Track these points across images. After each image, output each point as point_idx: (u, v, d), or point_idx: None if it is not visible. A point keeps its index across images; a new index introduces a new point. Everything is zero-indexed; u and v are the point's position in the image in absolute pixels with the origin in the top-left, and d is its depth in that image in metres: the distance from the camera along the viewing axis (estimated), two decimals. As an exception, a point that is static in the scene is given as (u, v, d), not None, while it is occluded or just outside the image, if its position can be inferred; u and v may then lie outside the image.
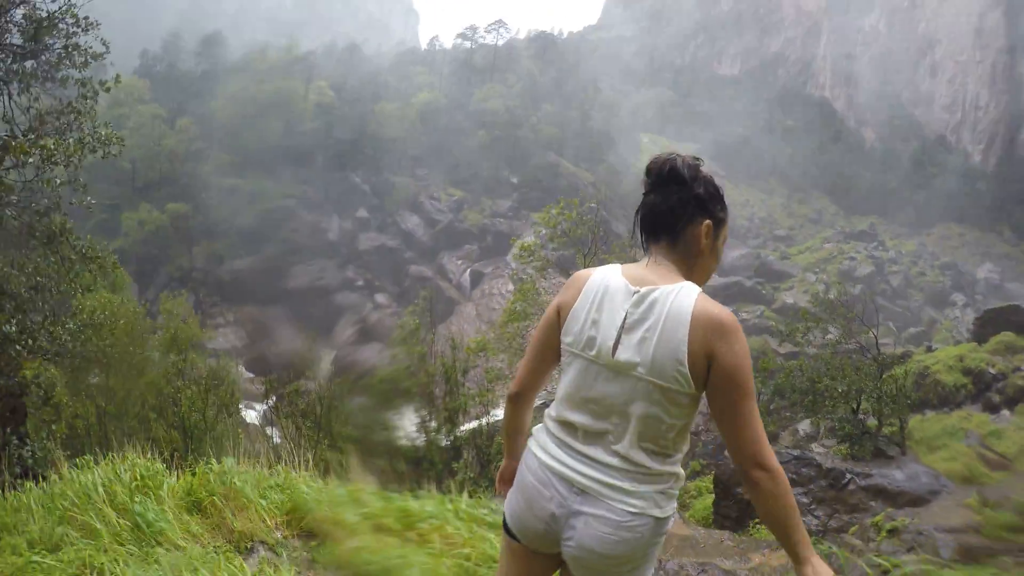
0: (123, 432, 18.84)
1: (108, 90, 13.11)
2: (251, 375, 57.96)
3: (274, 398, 44.78)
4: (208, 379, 21.55)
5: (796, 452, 19.39)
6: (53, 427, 16.96)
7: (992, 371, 41.24)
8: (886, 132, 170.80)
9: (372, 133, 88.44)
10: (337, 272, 74.30)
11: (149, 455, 7.36)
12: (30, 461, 10.34)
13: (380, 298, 73.08)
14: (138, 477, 6.13)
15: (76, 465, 7.11)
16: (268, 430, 36.01)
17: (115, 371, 20.43)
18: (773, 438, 33.35)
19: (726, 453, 20.51)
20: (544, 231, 28.04)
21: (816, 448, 38.34)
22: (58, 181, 12.78)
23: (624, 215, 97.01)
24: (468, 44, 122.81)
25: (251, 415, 44.46)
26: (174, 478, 6.38)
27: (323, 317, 69.28)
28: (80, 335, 14.15)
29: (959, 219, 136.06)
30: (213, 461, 6.61)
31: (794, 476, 18.35)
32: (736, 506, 18.77)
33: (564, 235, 26.85)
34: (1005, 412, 37.99)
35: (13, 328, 11.67)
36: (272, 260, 73.77)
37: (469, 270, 74.80)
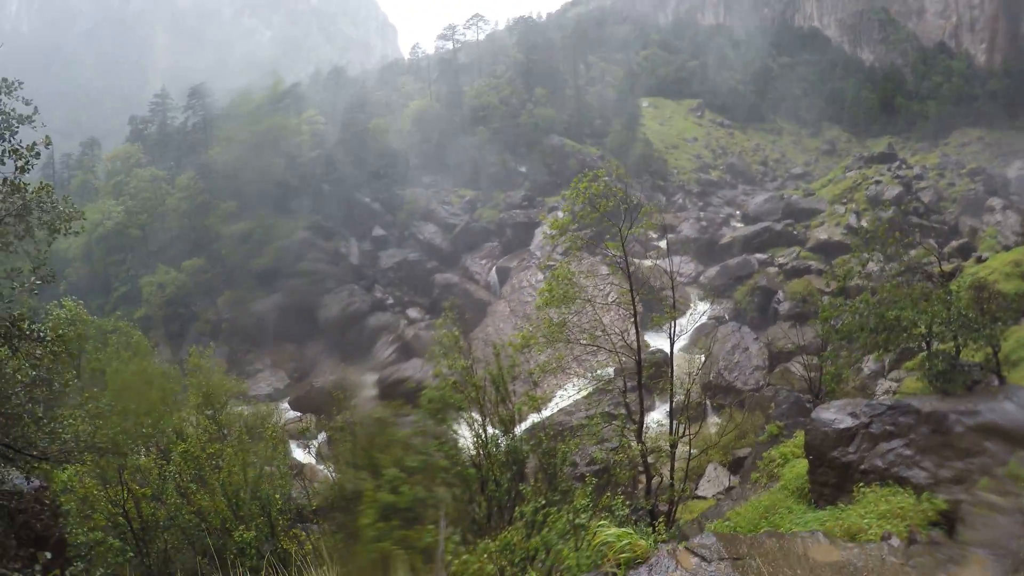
0: (167, 513, 17.94)
1: (38, 156, 12.28)
2: (297, 414, 57.71)
3: (323, 434, 44.52)
4: (242, 434, 20.62)
5: (890, 401, 17.56)
6: (93, 519, 16.26)
7: (1056, 270, 39.57)
8: (882, 51, 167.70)
9: (372, 151, 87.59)
10: (365, 295, 73.59)
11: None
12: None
13: (412, 312, 72.52)
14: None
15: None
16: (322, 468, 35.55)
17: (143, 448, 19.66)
18: (837, 381, 31.78)
19: (813, 415, 19.00)
20: (573, 208, 26.75)
21: (886, 384, 36.93)
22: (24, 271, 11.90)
23: (640, 183, 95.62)
24: (450, 45, 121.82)
25: (301, 455, 43.95)
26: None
27: (360, 342, 68.85)
28: (84, 429, 13.32)
29: (975, 123, 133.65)
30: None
31: (891, 427, 16.61)
32: (834, 472, 17.22)
33: (594, 209, 25.50)
34: (1083, 312, 36.34)
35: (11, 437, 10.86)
36: (298, 295, 73.09)
37: (495, 268, 73.81)
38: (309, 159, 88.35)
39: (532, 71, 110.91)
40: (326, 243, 79.45)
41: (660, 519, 23.46)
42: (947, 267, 47.44)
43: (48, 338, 12.23)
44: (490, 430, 22.55)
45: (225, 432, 27.53)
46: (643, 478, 27.54)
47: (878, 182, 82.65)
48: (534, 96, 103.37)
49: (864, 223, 63.21)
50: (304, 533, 18.77)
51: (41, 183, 13.02)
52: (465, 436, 22.91)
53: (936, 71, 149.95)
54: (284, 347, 69.07)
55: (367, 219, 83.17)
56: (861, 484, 16.39)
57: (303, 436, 45.70)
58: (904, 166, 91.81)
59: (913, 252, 50.51)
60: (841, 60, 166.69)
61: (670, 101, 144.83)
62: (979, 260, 47.12)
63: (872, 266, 38.49)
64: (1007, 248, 52.39)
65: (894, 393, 32.55)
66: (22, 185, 12.41)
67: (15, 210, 12.38)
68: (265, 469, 20.11)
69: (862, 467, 16.68)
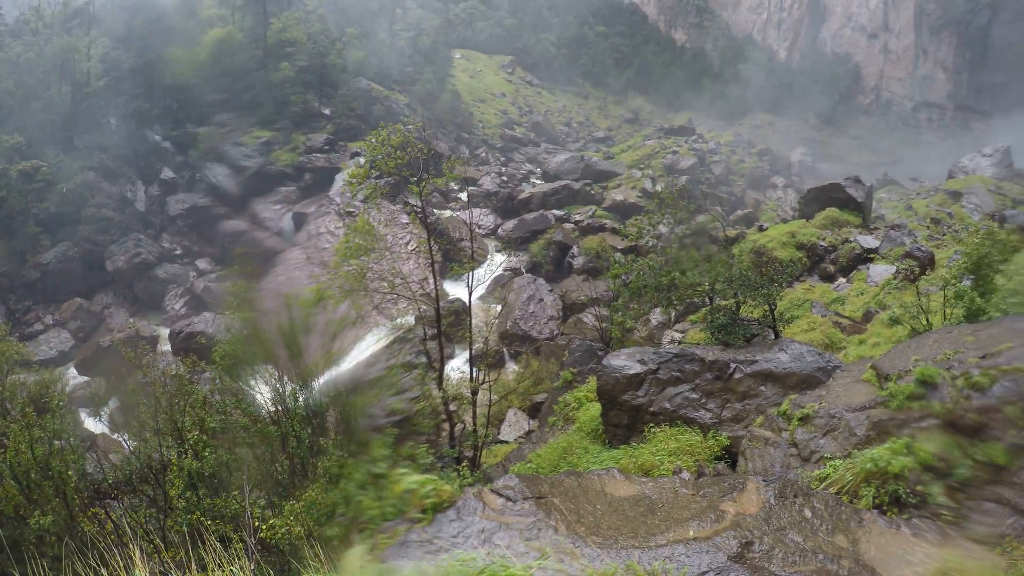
0: None
1: None
2: (85, 379, 53.19)
3: (114, 399, 41.07)
4: (26, 406, 18.89)
5: (675, 350, 18.85)
6: None
7: (823, 244, 43.61)
8: (695, 34, 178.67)
9: (166, 83, 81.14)
10: (153, 245, 68.19)
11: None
12: None
13: (202, 263, 68.29)
14: None
15: None
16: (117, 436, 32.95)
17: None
18: (626, 331, 33.30)
19: (604, 361, 19.77)
20: (373, 157, 26.23)
21: (672, 334, 39.17)
22: None
23: (444, 134, 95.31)
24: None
25: (95, 423, 40.73)
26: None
27: (150, 295, 64.40)
28: None
29: (768, 109, 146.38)
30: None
31: (678, 373, 17.97)
32: (625, 414, 18.39)
33: (391, 159, 25.09)
34: (841, 280, 40.25)
35: None
36: (85, 245, 66.43)
37: (291, 213, 70.59)
38: (97, 89, 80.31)
39: (345, 10, 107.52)
40: (112, 186, 72.35)
41: (464, 464, 23.70)
42: (731, 233, 50.75)
43: None
44: (288, 385, 21.78)
45: (8, 407, 25.04)
46: (447, 426, 27.76)
47: (675, 152, 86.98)
48: (344, 36, 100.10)
49: (659, 188, 66.27)
50: (104, 512, 17.37)
51: None
52: (263, 392, 22.03)
53: (741, 59, 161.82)
54: (68, 303, 62.69)
55: (156, 160, 76.70)
56: (651, 425, 17.78)
57: (93, 403, 41.92)
58: (700, 140, 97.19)
59: (701, 218, 53.75)
60: (655, 37, 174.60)
61: (483, 55, 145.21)
62: (760, 229, 50.51)
63: (663, 228, 40.63)
64: (785, 221, 56.84)
65: (679, 343, 34.47)
66: None
67: None
68: (55, 444, 18.31)
69: (651, 409, 17.99)
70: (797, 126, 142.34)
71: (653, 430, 17.34)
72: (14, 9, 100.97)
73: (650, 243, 39.28)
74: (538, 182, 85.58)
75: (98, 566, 5.68)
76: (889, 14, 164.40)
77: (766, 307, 20.98)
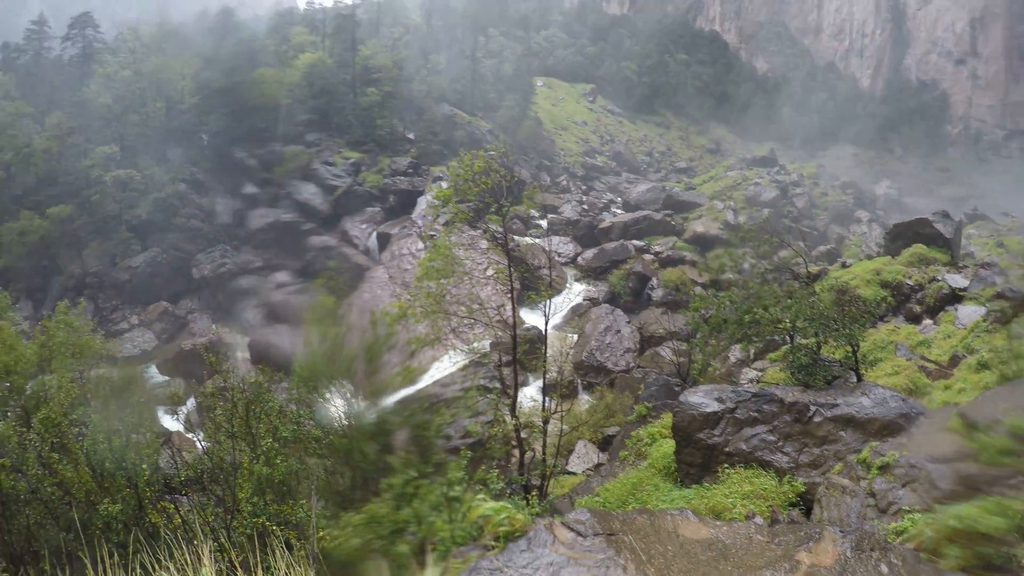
0: (29, 485, 16.91)
1: None
2: (166, 378, 55.19)
3: (192, 400, 42.66)
4: (108, 399, 19.64)
5: (754, 389, 18.44)
6: None
7: (909, 283, 41.98)
8: (777, 62, 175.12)
9: (255, 102, 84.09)
10: (236, 255, 71.04)
11: None
12: None
13: (280, 276, 70.17)
14: None
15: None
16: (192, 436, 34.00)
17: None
18: (704, 367, 32.92)
19: (681, 398, 19.52)
20: (456, 183, 26.56)
21: (750, 372, 38.45)
22: None
23: (526, 161, 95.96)
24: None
25: (172, 422, 42.04)
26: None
27: (231, 303, 66.93)
28: None
29: (852, 141, 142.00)
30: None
31: (756, 414, 17.54)
32: (700, 453, 18.00)
33: (473, 184, 25.36)
34: (927, 321, 38.66)
35: None
36: (172, 252, 69.99)
37: (375, 233, 72.31)
38: (190, 106, 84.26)
39: (430, 37, 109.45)
40: (201, 198, 76.02)
41: (533, 493, 23.66)
42: (814, 269, 49.69)
43: None
44: (360, 401, 22.16)
45: (89, 397, 26.08)
46: (516, 452, 27.77)
47: (757, 184, 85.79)
48: (429, 63, 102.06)
49: (740, 221, 65.42)
50: (173, 506, 17.93)
51: None
52: (337, 406, 22.45)
53: (823, 88, 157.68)
54: (154, 306, 65.80)
55: (241, 176, 79.61)
56: (726, 465, 17.31)
57: (171, 402, 43.54)
58: (783, 172, 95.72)
59: (783, 253, 52.83)
60: (736, 65, 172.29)
61: (565, 83, 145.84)
62: (843, 266, 49.38)
63: (745, 263, 39.86)
64: (869, 257, 55.30)
65: (758, 382, 33.83)
66: None
67: None
68: (132, 437, 19.05)
69: (727, 449, 17.55)
70: (882, 157, 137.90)
71: (727, 471, 16.99)
72: (112, 28, 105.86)
73: (731, 277, 38.81)
74: (619, 211, 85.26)
75: (164, 559, 5.88)
76: (977, 38, 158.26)
77: (848, 348, 20.47)
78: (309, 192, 77.58)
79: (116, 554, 6.35)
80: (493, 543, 8.08)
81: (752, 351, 39.51)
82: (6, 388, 19.06)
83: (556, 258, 65.97)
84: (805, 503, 15.98)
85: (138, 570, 6.09)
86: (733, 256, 32.98)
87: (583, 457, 36.05)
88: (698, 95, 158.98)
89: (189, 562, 5.26)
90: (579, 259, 69.27)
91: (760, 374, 37.13)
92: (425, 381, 43.80)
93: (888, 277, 42.43)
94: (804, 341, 20.91)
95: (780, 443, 17.05)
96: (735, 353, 40.50)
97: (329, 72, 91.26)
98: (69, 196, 72.74)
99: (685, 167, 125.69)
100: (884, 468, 11.92)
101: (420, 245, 63.56)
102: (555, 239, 70.33)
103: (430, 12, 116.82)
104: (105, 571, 5.91)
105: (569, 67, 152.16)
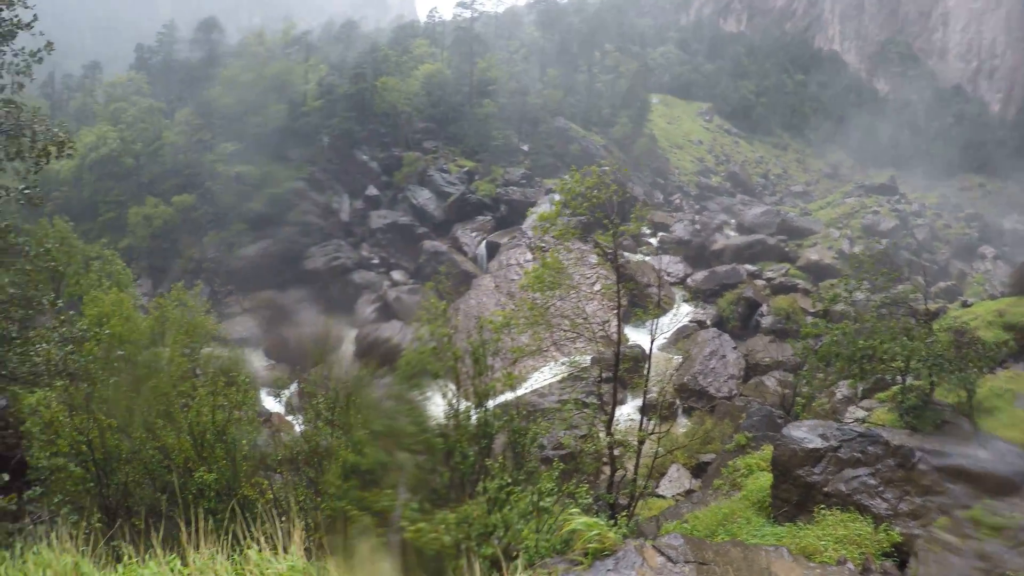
0: (131, 446, 17.89)
1: (40, 61, 12.18)
2: (271, 362, 57.73)
3: (295, 385, 44.48)
4: (215, 377, 20.49)
5: (860, 428, 17.69)
6: (56, 444, 16.16)
7: (1036, 327, 39.54)
8: (899, 83, 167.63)
9: (376, 109, 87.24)
10: (352, 251, 73.98)
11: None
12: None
13: (397, 275, 72.76)
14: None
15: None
16: (291, 419, 35.41)
17: (116, 379, 19.43)
18: (809, 401, 32.11)
19: (784, 431, 19.02)
20: (558, 196, 26.72)
21: (856, 411, 37.11)
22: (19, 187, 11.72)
23: (640, 178, 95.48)
24: (468, 13, 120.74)
25: (274, 404, 43.86)
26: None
27: (342, 297, 69.49)
28: (57, 353, 13.15)
29: (978, 169, 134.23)
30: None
31: (860, 455, 16.83)
32: (797, 490, 17.33)
33: (584, 199, 25.43)
34: (1054, 371, 36.34)
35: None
36: (286, 244, 73.61)
37: (485, 241, 73.47)
38: (312, 109, 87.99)
39: (546, 51, 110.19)
40: (319, 196, 79.39)
41: (623, 513, 23.53)
42: (932, 306, 47.62)
43: (32, 252, 12.00)
44: (463, 403, 22.53)
45: (198, 372, 27.39)
46: (607, 470, 27.62)
47: (876, 212, 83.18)
48: (545, 76, 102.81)
49: (856, 250, 63.40)
50: (266, 481, 18.68)
51: (35, 108, 12.80)
52: (438, 404, 22.89)
53: (949, 112, 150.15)
54: (265, 293, 69.04)
55: (362, 177, 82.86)
56: (822, 506, 16.57)
57: (275, 385, 45.58)
58: (903, 201, 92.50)
59: (900, 287, 50.77)
60: (856, 87, 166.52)
61: (680, 101, 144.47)
62: (964, 304, 47.22)
63: (859, 294, 38.51)
64: (993, 297, 52.59)
65: (864, 421, 32.74)
66: (19, 104, 12.25)
67: (8, 128, 12.19)
68: (234, 414, 19.96)
69: (825, 489, 16.86)
70: (1012, 189, 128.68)
71: (823, 512, 16.29)
72: (236, 33, 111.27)
73: (844, 310, 37.45)
74: (731, 234, 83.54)
75: (255, 531, 6.11)
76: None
77: (963, 393, 19.61)
78: (424, 197, 79.80)
79: (210, 519, 6.72)
80: (580, 558, 7.99)
81: (860, 388, 38.19)
82: (120, 356, 20.16)
83: (665, 277, 65.22)
84: (900, 555, 15.18)
85: (229, 538, 6.38)
86: (847, 287, 31.79)
87: (675, 481, 35.57)
88: (816, 117, 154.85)
89: (280, 536, 5.49)
90: (688, 280, 68.17)
91: (867, 414, 35.83)
92: (523, 389, 44.12)
93: (1013, 319, 40.15)
94: (916, 382, 20.12)
95: (880, 488, 16.29)
96: (842, 389, 39.24)
97: (447, 83, 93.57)
98: (192, 187, 78.27)
99: (801, 191, 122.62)
100: (998, 529, 11.30)
101: (528, 256, 63.93)
102: (665, 258, 69.33)
103: (547, 27, 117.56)
104: (198, 533, 6.23)
105: (685, 85, 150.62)
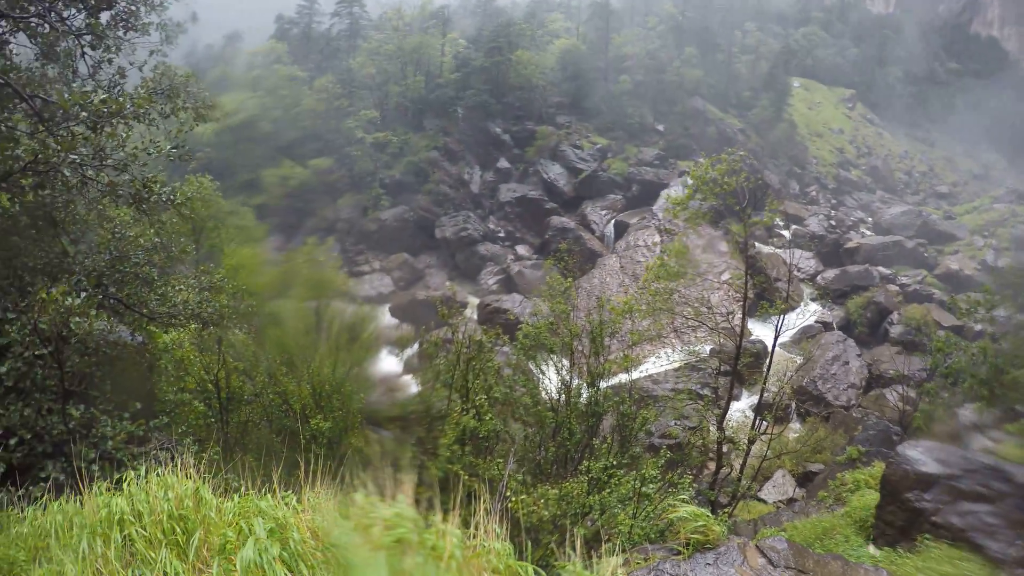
0: (254, 389, 18.96)
1: (185, 31, 13.42)
2: (396, 321, 59.76)
3: (417, 345, 45.89)
4: (340, 334, 21.47)
5: (987, 459, 16.31)
6: (184, 381, 17.28)
7: None
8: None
9: (511, 83, 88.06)
10: (480, 223, 75.47)
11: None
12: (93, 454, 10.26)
13: (521, 249, 74.01)
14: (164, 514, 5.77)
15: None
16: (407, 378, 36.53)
17: (246, 326, 20.63)
18: (930, 421, 30.75)
19: (898, 448, 18.03)
20: (691, 181, 26.31)
21: (981, 439, 35.07)
22: (169, 148, 12.73)
23: (776, 166, 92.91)
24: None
25: (394, 362, 45.24)
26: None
27: (467, 266, 71.76)
28: (193, 298, 14.25)
29: None
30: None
31: (982, 488, 15.40)
32: (903, 514, 16.10)
33: (716, 185, 25.02)
34: None
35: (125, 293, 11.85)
36: (418, 210, 76.47)
37: (613, 221, 73.40)
38: (448, 81, 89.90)
39: (684, 28, 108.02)
40: (451, 167, 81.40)
41: (723, 512, 23.32)
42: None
43: (177, 201, 12.85)
44: (575, 380, 22.81)
45: (324, 326, 28.50)
46: (712, 465, 27.42)
47: (1028, 223, 78.13)
48: (683, 54, 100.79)
49: (1002, 263, 59.80)
50: (377, 435, 19.52)
51: (188, 73, 13.94)
52: (551, 379, 23.23)
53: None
54: (396, 256, 71.72)
55: (494, 149, 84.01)
56: (927, 536, 15.28)
57: (397, 344, 47.11)
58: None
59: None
60: (1017, 80, 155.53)
61: (822, 86, 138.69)
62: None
63: (1001, 312, 36.17)
64: None
65: (990, 453, 31.03)
66: (173, 68, 13.33)
67: (164, 89, 13.26)
68: (354, 369, 20.82)
69: (934, 519, 15.51)
70: None
71: (928, 542, 14.94)
72: (377, 7, 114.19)
73: (983, 328, 35.30)
74: (868, 233, 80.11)
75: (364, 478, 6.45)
76: None
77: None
78: (555, 172, 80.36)
79: (323, 463, 7.14)
80: (681, 547, 8.06)
81: (988, 416, 36.23)
82: (249, 307, 21.35)
83: (795, 273, 63.44)
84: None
85: (339, 483, 6.74)
86: (989, 301, 29.93)
87: (779, 487, 34.87)
88: (969, 111, 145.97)
89: (389, 487, 5.75)
90: (819, 277, 65.91)
91: (993, 445, 33.85)
92: (637, 373, 44.02)
93: None
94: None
95: (1001, 528, 14.63)
96: (967, 413, 37.40)
97: (582, 58, 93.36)
98: (330, 151, 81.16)
99: (947, 192, 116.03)
100: None
101: (657, 238, 63.40)
102: (797, 252, 67.08)
103: (685, 3, 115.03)
104: (312, 475, 6.63)
105: (828, 69, 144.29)
